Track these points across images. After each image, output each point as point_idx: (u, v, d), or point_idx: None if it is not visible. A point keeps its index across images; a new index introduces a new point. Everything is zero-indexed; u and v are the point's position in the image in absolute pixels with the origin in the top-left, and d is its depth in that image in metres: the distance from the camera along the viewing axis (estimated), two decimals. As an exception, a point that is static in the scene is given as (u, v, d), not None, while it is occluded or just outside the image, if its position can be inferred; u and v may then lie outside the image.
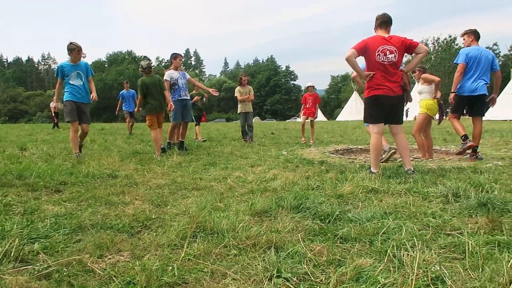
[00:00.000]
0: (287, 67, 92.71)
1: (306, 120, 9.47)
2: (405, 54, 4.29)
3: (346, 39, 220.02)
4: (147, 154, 6.59)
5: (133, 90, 12.21)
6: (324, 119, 48.62)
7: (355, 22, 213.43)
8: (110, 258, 1.96)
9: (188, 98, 7.46)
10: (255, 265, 1.80)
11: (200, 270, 1.80)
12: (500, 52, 69.71)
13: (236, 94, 9.34)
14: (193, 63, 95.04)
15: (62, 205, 3.00)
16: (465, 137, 5.40)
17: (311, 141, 9.22)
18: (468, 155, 5.53)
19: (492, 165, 4.70)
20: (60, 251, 2.04)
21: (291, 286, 1.62)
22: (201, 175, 4.47)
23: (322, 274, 1.72)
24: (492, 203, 2.70)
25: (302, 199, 2.89)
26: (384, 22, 4.26)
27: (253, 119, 11.24)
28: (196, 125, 10.49)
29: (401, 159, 5.64)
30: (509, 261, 1.62)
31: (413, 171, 4.12)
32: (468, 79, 5.35)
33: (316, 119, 9.69)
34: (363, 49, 4.17)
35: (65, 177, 4.04)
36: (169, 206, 3.03)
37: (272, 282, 1.65)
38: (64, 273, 1.76)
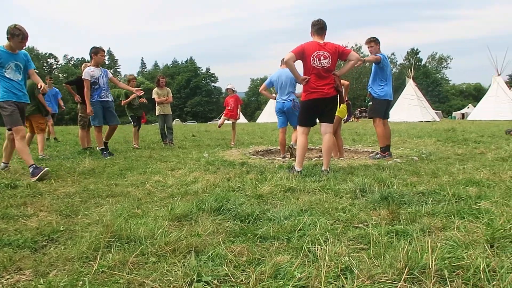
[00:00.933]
0: (208, 69, 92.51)
1: (227, 122, 9.56)
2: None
3: (264, 44, 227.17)
4: (54, 160, 6.03)
5: (56, 88, 10.42)
6: (245, 121, 49.52)
7: (272, 28, 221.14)
8: (8, 279, 1.75)
9: (110, 99, 6.94)
10: (175, 271, 1.76)
11: (115, 282, 1.70)
12: (397, 61, 78.40)
13: (154, 95, 9.02)
14: (107, 62, 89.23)
15: None
16: (386, 149, 5.89)
17: (232, 143, 9.32)
18: (380, 155, 5.95)
19: (392, 162, 5.25)
20: None
21: (211, 289, 1.62)
22: (116, 181, 4.23)
23: (242, 274, 1.74)
24: (392, 196, 3.02)
25: (223, 201, 2.91)
26: (320, 28, 4.47)
27: (174, 122, 10.96)
28: (134, 127, 8.98)
29: (316, 158, 6.01)
30: (405, 248, 1.82)
31: (328, 171, 4.40)
32: (387, 85, 5.87)
33: (238, 121, 9.82)
34: (301, 53, 4.35)
35: (-49, 189, 3.50)
36: (80, 216, 2.81)
37: (192, 286, 1.63)
38: (-51, 301, 1.52)
